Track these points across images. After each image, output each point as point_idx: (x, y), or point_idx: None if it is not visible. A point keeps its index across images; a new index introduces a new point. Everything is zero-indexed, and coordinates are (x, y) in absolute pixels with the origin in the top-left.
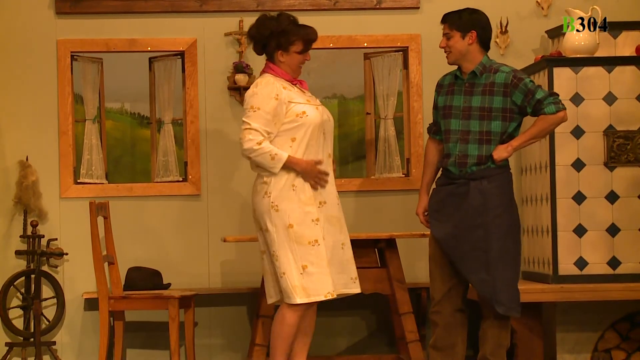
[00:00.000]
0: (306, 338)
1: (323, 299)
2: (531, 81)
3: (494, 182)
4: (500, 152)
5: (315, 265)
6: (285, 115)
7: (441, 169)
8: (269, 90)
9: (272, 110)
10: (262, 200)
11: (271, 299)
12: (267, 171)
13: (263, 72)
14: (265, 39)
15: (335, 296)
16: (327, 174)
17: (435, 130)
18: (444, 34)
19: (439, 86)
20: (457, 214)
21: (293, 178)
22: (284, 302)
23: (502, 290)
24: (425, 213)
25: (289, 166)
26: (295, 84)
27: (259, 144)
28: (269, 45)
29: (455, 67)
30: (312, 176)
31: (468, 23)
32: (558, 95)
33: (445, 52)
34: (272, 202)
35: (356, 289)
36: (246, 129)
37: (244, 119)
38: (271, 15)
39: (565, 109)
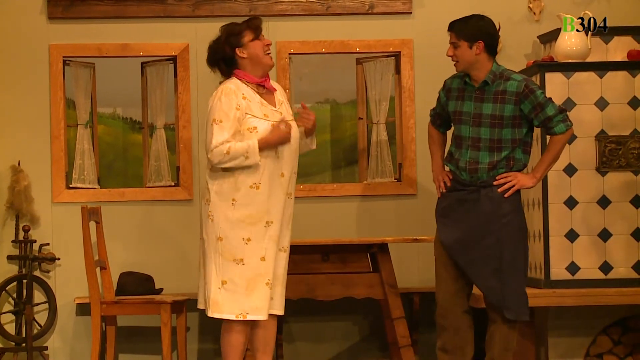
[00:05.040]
0: (265, 357)
1: (234, 318)
2: (542, 93)
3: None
4: (525, 181)
5: (234, 283)
6: (241, 125)
7: (451, 174)
8: (229, 100)
9: (236, 119)
10: (203, 207)
11: (201, 305)
12: (214, 177)
13: (231, 77)
14: (220, 52)
15: (247, 318)
16: (289, 126)
17: (439, 123)
18: (451, 43)
19: (448, 89)
20: (466, 221)
21: (234, 192)
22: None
23: (511, 296)
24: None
25: (265, 148)
26: (262, 85)
27: (227, 153)
28: (226, 55)
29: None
30: (285, 138)
31: (475, 32)
32: (566, 110)
33: (452, 60)
34: (210, 212)
35: (275, 311)
36: (213, 147)
37: (208, 132)
38: (214, 38)
39: (572, 125)
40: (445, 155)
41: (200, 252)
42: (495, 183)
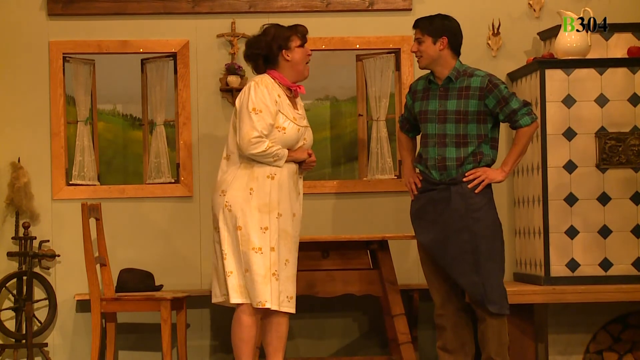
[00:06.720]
0: (277, 354)
1: (255, 306)
2: (506, 87)
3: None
4: (494, 176)
5: (253, 272)
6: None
7: (420, 174)
8: (270, 93)
9: (274, 113)
10: (218, 198)
11: (216, 298)
12: (231, 168)
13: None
14: (266, 50)
15: (265, 306)
16: (314, 162)
17: (407, 128)
18: (416, 39)
19: (413, 92)
20: (440, 220)
21: (251, 182)
22: (230, 302)
23: (492, 290)
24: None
25: (289, 161)
26: (294, 90)
27: (265, 150)
28: (271, 53)
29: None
30: (307, 166)
31: (439, 29)
32: (531, 104)
33: (416, 56)
34: (227, 202)
35: (288, 309)
36: (254, 137)
37: (246, 120)
38: (256, 34)
39: (537, 118)
40: (415, 156)
41: (214, 244)
42: (464, 179)
